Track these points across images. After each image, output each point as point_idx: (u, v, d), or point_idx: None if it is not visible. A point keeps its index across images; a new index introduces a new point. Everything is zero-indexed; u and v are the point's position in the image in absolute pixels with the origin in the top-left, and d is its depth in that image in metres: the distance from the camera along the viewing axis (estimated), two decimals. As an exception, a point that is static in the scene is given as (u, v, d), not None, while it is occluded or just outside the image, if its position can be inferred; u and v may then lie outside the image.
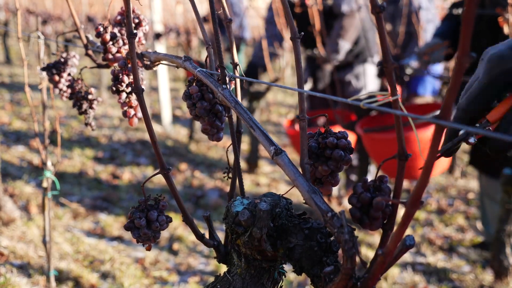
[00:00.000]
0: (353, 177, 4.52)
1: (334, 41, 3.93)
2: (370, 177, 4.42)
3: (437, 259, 3.43)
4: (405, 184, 4.86)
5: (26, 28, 10.43)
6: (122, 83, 1.13)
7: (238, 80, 1.00)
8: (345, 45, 3.93)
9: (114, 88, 1.14)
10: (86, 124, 1.44)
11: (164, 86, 6.70)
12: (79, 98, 1.40)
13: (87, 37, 1.38)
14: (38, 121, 2.14)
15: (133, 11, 1.23)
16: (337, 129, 3.70)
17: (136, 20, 1.24)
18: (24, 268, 2.94)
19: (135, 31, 0.96)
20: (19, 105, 7.31)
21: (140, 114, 1.20)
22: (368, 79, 4.15)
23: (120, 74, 1.12)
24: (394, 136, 3.27)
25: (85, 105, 1.41)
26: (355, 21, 3.93)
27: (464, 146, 4.78)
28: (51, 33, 8.90)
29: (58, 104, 7.09)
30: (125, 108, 1.19)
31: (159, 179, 4.37)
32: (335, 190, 4.67)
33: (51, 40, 1.70)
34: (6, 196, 3.60)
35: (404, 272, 3.25)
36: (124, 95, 1.17)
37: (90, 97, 1.41)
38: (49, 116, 6.69)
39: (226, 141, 6.10)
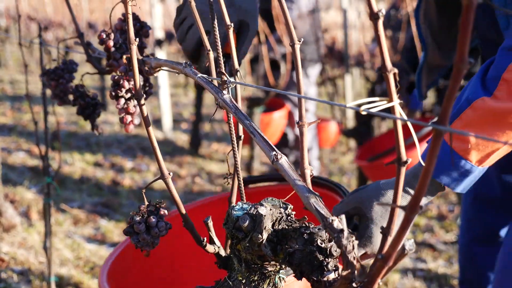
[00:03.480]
0: None
1: (280, 34, 4.49)
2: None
3: (438, 265, 3.43)
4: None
5: (27, 35, 10.45)
6: (122, 89, 1.14)
7: (238, 86, 1.01)
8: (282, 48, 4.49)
9: (113, 94, 1.15)
10: (93, 129, 1.44)
11: (165, 92, 6.71)
12: (82, 105, 1.40)
13: (88, 43, 1.39)
14: (38, 127, 2.14)
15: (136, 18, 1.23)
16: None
17: (138, 26, 1.25)
18: (25, 274, 2.94)
19: (135, 38, 0.97)
20: (20, 111, 7.32)
21: (137, 121, 1.21)
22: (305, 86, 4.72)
23: (121, 80, 1.13)
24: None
25: (89, 111, 1.41)
26: (302, 22, 4.39)
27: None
28: (52, 39, 8.92)
29: (59, 110, 7.10)
30: (122, 114, 1.20)
31: (160, 185, 4.37)
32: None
33: (52, 46, 1.71)
34: (7, 202, 3.60)
35: (404, 278, 3.25)
36: (122, 100, 1.17)
37: (93, 102, 1.41)
38: (50, 122, 6.71)
39: (226, 147, 6.10)
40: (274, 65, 4.71)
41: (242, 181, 1.04)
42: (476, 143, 1.09)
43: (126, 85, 1.13)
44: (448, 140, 1.10)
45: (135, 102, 1.21)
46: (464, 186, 1.14)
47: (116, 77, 1.14)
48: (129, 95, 1.17)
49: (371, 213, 1.14)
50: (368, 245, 1.14)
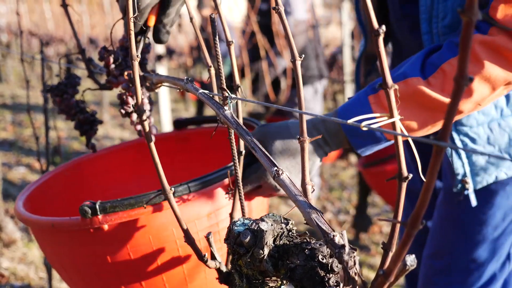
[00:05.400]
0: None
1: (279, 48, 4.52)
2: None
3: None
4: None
5: (28, 50, 10.50)
6: (129, 105, 1.15)
7: (239, 102, 1.01)
8: (283, 62, 4.54)
9: (123, 112, 1.17)
10: (88, 146, 1.44)
11: (166, 107, 6.73)
12: (81, 120, 1.41)
13: (89, 59, 1.39)
14: (39, 142, 2.15)
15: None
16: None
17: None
18: (25, 290, 2.93)
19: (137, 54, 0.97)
20: (21, 126, 7.33)
21: (154, 130, 1.25)
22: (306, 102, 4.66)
23: (125, 97, 1.14)
24: (394, 167, 3.29)
25: (87, 127, 1.42)
26: (299, 34, 4.38)
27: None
28: (53, 54, 8.95)
29: (60, 125, 7.11)
30: (139, 127, 1.24)
31: (160, 200, 4.36)
32: (333, 213, 4.67)
33: (53, 62, 1.72)
34: (7, 217, 3.60)
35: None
36: (135, 116, 1.21)
37: (92, 118, 1.42)
38: (51, 137, 6.72)
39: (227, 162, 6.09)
40: (275, 82, 4.72)
41: (243, 196, 1.04)
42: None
43: (131, 100, 1.14)
44: (372, 103, 1.14)
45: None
46: (368, 151, 1.20)
47: (120, 95, 1.15)
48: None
49: (271, 147, 1.18)
50: (263, 178, 1.18)
